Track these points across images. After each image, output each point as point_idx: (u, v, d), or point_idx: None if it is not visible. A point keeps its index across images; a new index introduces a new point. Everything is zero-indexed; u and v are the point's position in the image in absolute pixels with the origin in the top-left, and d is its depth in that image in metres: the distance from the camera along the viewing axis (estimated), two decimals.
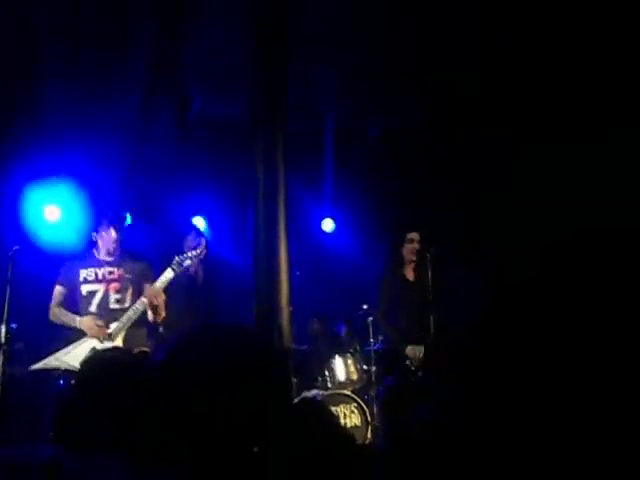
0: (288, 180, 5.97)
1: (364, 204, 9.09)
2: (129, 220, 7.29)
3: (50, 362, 5.69)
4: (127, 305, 5.86)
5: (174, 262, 5.84)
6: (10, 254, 5.95)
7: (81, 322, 5.77)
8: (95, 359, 2.98)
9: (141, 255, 6.26)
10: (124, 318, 5.77)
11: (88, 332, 5.71)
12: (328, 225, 9.47)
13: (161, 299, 5.73)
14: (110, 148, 7.78)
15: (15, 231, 7.32)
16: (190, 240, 6.87)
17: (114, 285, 5.88)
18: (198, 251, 6.00)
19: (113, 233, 5.93)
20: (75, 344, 5.78)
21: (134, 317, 5.76)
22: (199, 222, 8.63)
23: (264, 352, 1.61)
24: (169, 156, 8.11)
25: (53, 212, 7.82)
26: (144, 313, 5.82)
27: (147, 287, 5.79)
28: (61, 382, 5.41)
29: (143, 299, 5.76)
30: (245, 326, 1.73)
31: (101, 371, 2.49)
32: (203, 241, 6.82)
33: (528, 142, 7.34)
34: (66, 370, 5.55)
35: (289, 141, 6.05)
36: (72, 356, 5.66)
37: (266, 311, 5.71)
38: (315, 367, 7.11)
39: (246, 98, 6.24)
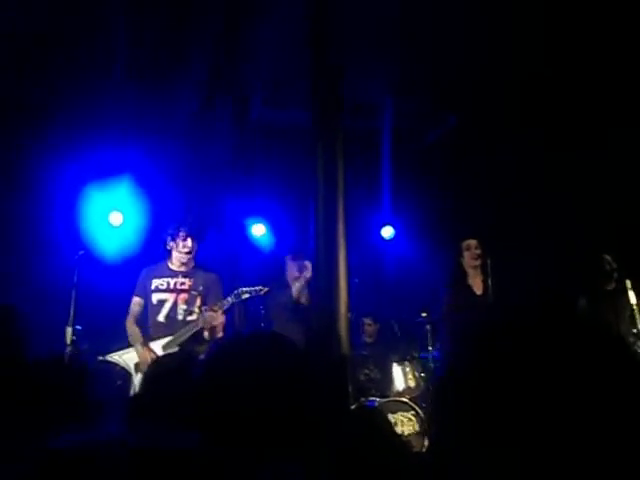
0: (347, 187, 5.97)
1: (423, 211, 9.05)
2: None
3: (113, 357, 5.81)
4: (194, 318, 5.85)
5: (235, 293, 5.84)
6: (76, 258, 6.09)
7: (139, 351, 5.79)
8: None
9: (211, 267, 6.25)
10: (178, 333, 5.78)
11: (140, 362, 5.71)
12: (387, 232, 9.43)
13: (219, 321, 5.71)
14: (171, 151, 7.89)
15: (78, 236, 7.48)
16: (296, 266, 6.87)
17: (183, 296, 5.87)
18: (259, 289, 5.92)
19: (190, 243, 5.92)
20: (132, 349, 5.88)
21: (187, 334, 5.75)
22: (259, 229, 8.73)
23: (317, 363, 1.71)
24: (229, 160, 8.20)
25: (117, 217, 7.96)
26: (198, 331, 5.80)
27: (204, 312, 5.74)
28: (119, 382, 5.56)
29: (203, 317, 5.75)
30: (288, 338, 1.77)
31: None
32: (308, 265, 6.67)
33: (590, 146, 7.24)
34: (122, 368, 5.70)
35: (348, 149, 6.05)
36: (128, 357, 5.80)
37: (325, 318, 5.72)
38: (373, 374, 7.11)
39: (304, 103, 6.27)
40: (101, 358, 5.73)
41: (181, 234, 5.92)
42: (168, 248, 6.01)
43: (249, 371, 1.61)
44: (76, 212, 7.83)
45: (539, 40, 6.76)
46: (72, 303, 5.89)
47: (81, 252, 6.17)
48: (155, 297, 5.91)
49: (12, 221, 7.60)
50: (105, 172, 7.73)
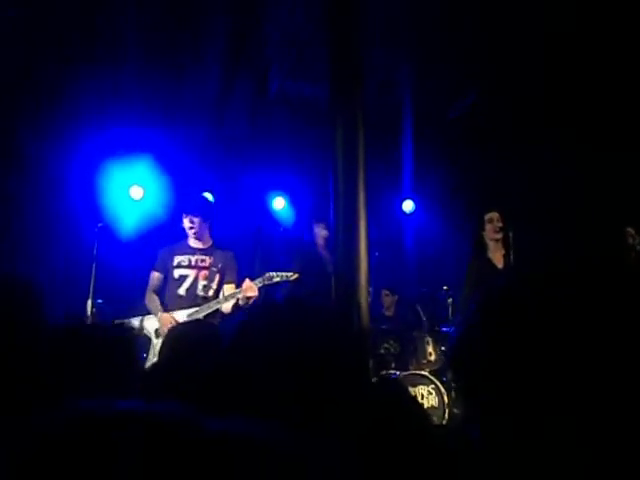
0: (368, 161, 5.93)
1: (444, 185, 8.97)
2: (210, 200, 7.32)
3: (131, 321, 5.94)
4: (211, 294, 5.98)
5: (266, 275, 5.90)
6: (95, 231, 6.14)
7: (161, 317, 5.92)
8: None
9: (227, 245, 6.35)
10: (205, 306, 5.89)
11: (162, 327, 5.82)
12: (408, 206, 9.38)
13: (255, 293, 5.76)
14: (192, 126, 7.87)
15: (98, 210, 7.46)
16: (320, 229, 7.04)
17: (204, 273, 6.01)
18: (290, 274, 5.98)
19: (188, 223, 6.04)
20: (151, 315, 6.02)
21: (211, 309, 5.87)
22: (280, 203, 8.73)
23: (343, 332, 1.60)
24: (250, 135, 8.17)
25: (137, 191, 7.98)
26: (219, 310, 5.91)
27: (247, 280, 5.82)
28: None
29: (239, 290, 5.82)
30: (325, 305, 1.75)
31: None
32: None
33: (616, 117, 7.12)
34: (143, 334, 5.85)
35: (368, 122, 5.98)
36: (149, 323, 5.96)
37: (345, 290, 5.70)
38: (393, 348, 7.11)
39: (325, 76, 6.18)
40: (119, 322, 5.78)
41: (183, 215, 6.09)
42: (183, 227, 6.15)
43: (285, 339, 1.55)
44: (96, 186, 7.84)
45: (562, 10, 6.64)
46: (92, 276, 5.95)
47: (100, 224, 6.19)
48: (177, 272, 6.03)
49: (32, 196, 7.61)
50: (126, 147, 7.73)
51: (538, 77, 7.58)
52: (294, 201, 8.78)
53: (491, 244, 6.54)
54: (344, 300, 5.59)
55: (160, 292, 6.09)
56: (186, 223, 6.04)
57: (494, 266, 6.53)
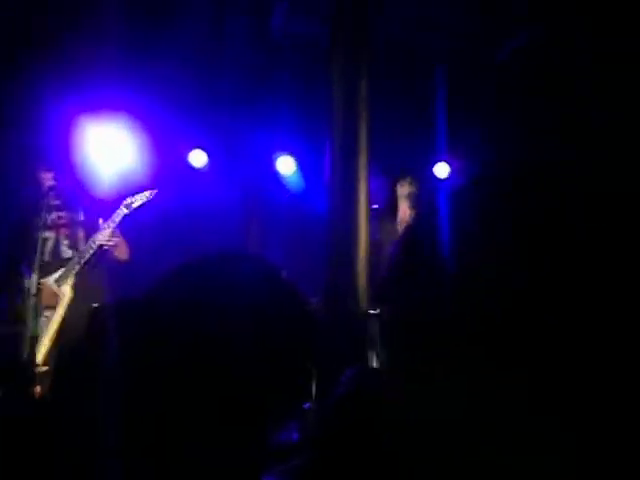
0: (393, 113, 5.11)
1: (485, 145, 7.56)
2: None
3: None
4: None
5: (124, 204, 5.40)
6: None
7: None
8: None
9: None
10: (70, 264, 5.40)
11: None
12: (442, 170, 8.16)
13: (112, 242, 5.35)
14: (180, 77, 6.71)
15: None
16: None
17: (64, 230, 5.54)
18: (149, 193, 5.44)
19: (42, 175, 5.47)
20: None
21: (80, 261, 5.39)
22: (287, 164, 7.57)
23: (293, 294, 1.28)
24: (246, 87, 6.92)
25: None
26: (94, 255, 5.42)
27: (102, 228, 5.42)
28: None
29: (94, 240, 5.39)
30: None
31: None
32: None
33: None
34: None
35: (392, 67, 5.42)
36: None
37: (338, 264, 4.61)
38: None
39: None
40: None
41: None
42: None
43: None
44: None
45: None
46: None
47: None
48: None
49: None
50: (103, 105, 6.71)
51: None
52: (302, 163, 7.59)
53: None
54: (337, 275, 4.58)
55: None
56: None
57: None
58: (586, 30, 6.61)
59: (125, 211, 5.38)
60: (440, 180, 8.13)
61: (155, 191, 5.44)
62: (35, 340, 4.88)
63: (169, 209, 6.49)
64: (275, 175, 7.56)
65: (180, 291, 1.23)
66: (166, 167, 6.15)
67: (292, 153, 7.55)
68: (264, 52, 6.90)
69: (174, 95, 6.77)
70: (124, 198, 5.40)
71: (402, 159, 7.15)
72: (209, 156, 7.07)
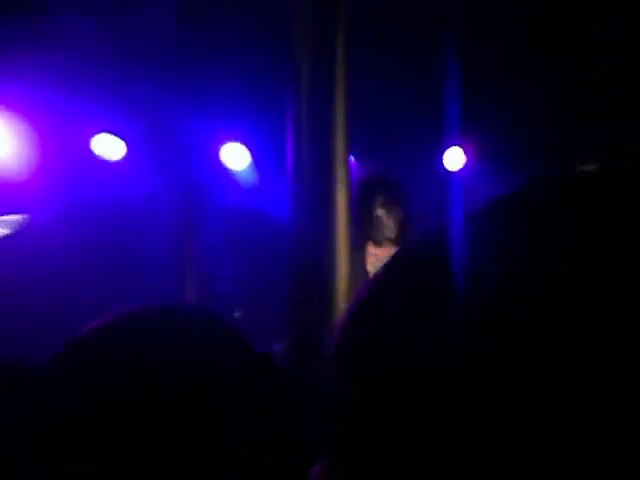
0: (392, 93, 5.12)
1: (507, 126, 7.00)
2: None
3: None
4: None
5: None
6: None
7: None
8: None
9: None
10: None
11: None
12: (454, 159, 7.35)
13: None
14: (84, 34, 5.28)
15: None
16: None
17: None
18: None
19: None
20: None
21: None
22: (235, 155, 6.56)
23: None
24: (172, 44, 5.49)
25: None
26: None
27: None
28: None
29: None
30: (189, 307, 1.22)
31: None
32: None
33: None
34: None
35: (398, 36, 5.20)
36: None
37: (306, 300, 3.55)
38: None
39: None
40: None
41: None
42: None
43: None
44: None
45: None
46: None
47: None
48: None
49: None
50: None
51: None
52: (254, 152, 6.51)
53: None
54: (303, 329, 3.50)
55: None
56: None
57: None
58: None
59: None
60: (452, 171, 7.36)
61: (27, 217, 4.86)
62: None
63: (59, 228, 5.36)
64: (219, 170, 6.46)
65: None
66: (65, 159, 5.26)
67: (243, 141, 6.36)
68: None
69: (72, 63, 5.36)
70: None
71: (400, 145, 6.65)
72: (126, 144, 5.95)
